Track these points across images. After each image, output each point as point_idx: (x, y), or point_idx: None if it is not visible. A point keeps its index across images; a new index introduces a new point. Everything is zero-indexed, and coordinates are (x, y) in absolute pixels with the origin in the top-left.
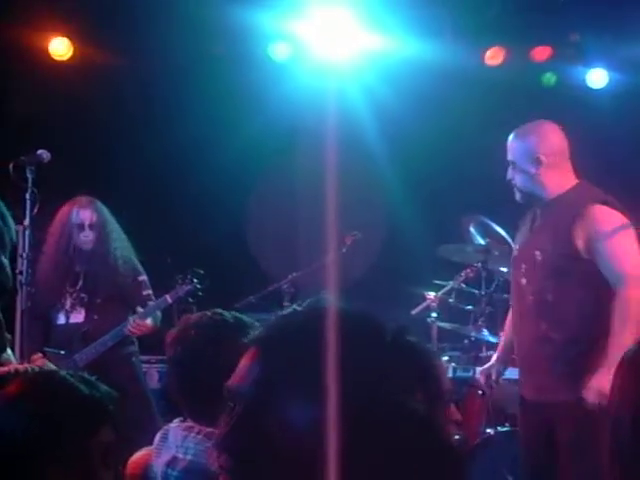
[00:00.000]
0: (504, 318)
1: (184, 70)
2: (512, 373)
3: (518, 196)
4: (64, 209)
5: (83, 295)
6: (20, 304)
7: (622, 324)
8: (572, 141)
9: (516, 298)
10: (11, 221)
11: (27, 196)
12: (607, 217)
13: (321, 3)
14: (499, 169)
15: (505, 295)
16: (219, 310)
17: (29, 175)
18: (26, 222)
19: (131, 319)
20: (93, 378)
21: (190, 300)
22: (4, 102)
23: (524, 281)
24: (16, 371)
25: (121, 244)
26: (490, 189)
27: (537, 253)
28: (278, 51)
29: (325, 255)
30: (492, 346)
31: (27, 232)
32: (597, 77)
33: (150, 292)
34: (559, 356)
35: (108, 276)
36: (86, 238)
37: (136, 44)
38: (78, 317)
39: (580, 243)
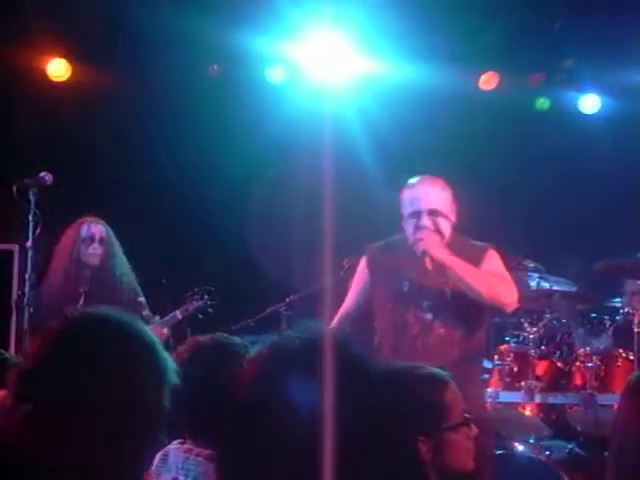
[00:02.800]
0: (496, 343)
1: (181, 92)
2: (506, 397)
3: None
4: (73, 226)
5: None
6: (21, 325)
7: None
8: (564, 165)
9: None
10: None
11: (30, 218)
12: None
13: (317, 27)
14: (491, 194)
15: (497, 319)
16: (226, 334)
17: (32, 197)
18: (29, 244)
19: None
20: None
21: (200, 316)
22: (3, 123)
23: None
24: None
25: (123, 266)
26: (483, 214)
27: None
28: (274, 74)
29: (322, 278)
30: (487, 370)
31: (30, 253)
32: (590, 102)
33: (149, 313)
34: None
35: (111, 296)
36: (95, 251)
37: (134, 65)
38: None
39: None
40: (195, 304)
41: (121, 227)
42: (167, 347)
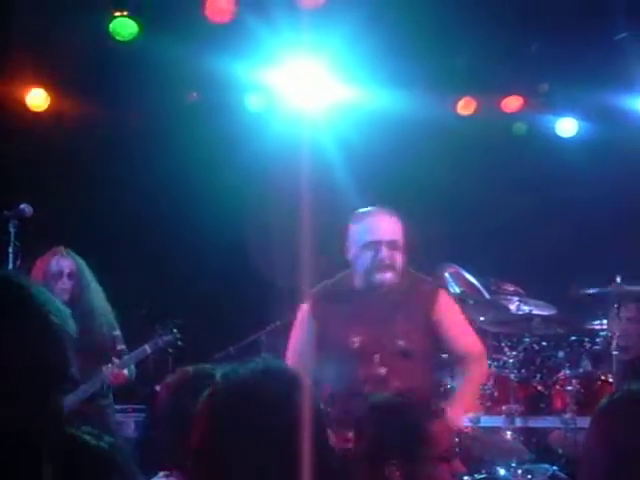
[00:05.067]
0: None
1: (160, 120)
2: (487, 421)
3: (392, 276)
4: (43, 259)
5: None
6: None
7: None
8: (543, 189)
9: None
10: None
11: (10, 249)
12: None
13: (295, 54)
14: (471, 219)
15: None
16: (211, 366)
17: (12, 229)
18: None
19: (110, 367)
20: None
21: (170, 351)
22: None
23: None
24: None
25: (98, 297)
26: (462, 239)
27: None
28: (253, 101)
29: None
30: None
31: None
32: (567, 126)
33: (124, 347)
34: None
35: (85, 328)
36: (63, 286)
37: (112, 94)
38: None
39: None
40: (165, 338)
41: (100, 257)
42: (128, 386)
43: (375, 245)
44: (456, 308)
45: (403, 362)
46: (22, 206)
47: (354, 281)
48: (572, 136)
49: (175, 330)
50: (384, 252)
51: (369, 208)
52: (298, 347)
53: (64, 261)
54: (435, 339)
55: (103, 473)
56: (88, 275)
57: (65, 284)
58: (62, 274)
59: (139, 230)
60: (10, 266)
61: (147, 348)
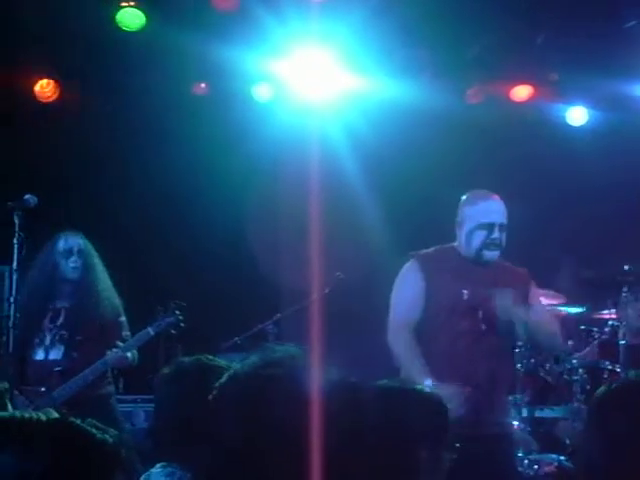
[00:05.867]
0: None
1: (168, 111)
2: None
3: (499, 255)
4: (50, 241)
5: (64, 332)
6: (7, 347)
7: None
8: (553, 177)
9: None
10: None
11: (15, 240)
12: None
13: (304, 45)
14: None
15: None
16: (211, 356)
17: (16, 220)
18: (14, 266)
19: (113, 351)
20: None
21: (172, 332)
22: None
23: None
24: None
25: (105, 281)
26: None
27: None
28: (261, 92)
29: (309, 296)
30: None
31: (14, 276)
32: (577, 115)
33: (129, 334)
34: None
35: (91, 313)
36: (75, 264)
37: (120, 85)
38: (57, 354)
39: None
40: (167, 320)
41: (105, 248)
42: (132, 369)
43: (490, 226)
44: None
45: (499, 323)
46: (27, 197)
47: (460, 253)
48: (582, 125)
49: (177, 311)
50: (496, 233)
51: (481, 191)
52: (407, 300)
53: (73, 239)
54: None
55: (109, 467)
56: (95, 257)
57: (76, 262)
58: (72, 251)
59: (146, 221)
60: (15, 257)
61: (150, 330)
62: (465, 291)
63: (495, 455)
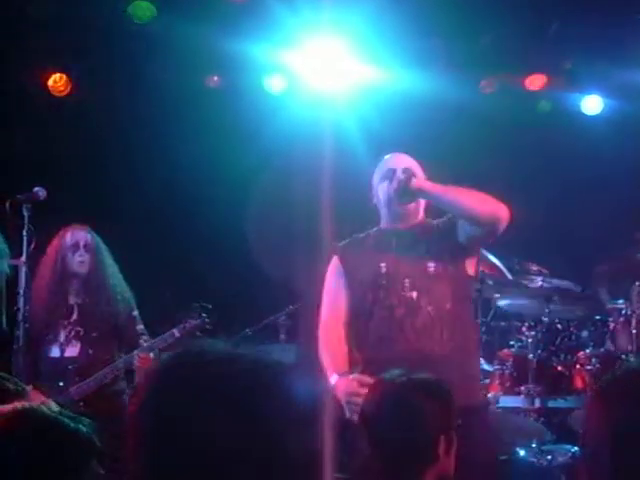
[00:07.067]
0: (500, 346)
1: (180, 103)
2: (506, 402)
3: (414, 206)
4: (57, 236)
5: (79, 328)
6: (17, 341)
7: None
8: (568, 167)
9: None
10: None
11: (24, 233)
12: None
13: (316, 36)
14: (494, 196)
15: (502, 323)
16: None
17: (25, 213)
18: (23, 259)
19: (137, 352)
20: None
21: (198, 334)
22: (2, 138)
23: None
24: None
25: (115, 274)
26: None
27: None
28: (273, 83)
29: (320, 288)
30: (488, 374)
31: (24, 269)
32: (592, 103)
33: (142, 327)
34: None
35: (104, 309)
36: (82, 258)
37: (133, 78)
38: (73, 351)
39: None
40: (193, 322)
41: (118, 240)
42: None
43: (390, 173)
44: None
45: (432, 286)
46: (36, 189)
47: (380, 227)
48: (597, 114)
49: (204, 314)
50: (398, 174)
51: None
52: (331, 292)
53: (79, 233)
54: (463, 257)
55: (82, 456)
56: (104, 250)
57: (83, 256)
58: (78, 246)
59: (157, 214)
60: (24, 250)
61: (175, 332)
62: (383, 264)
63: None
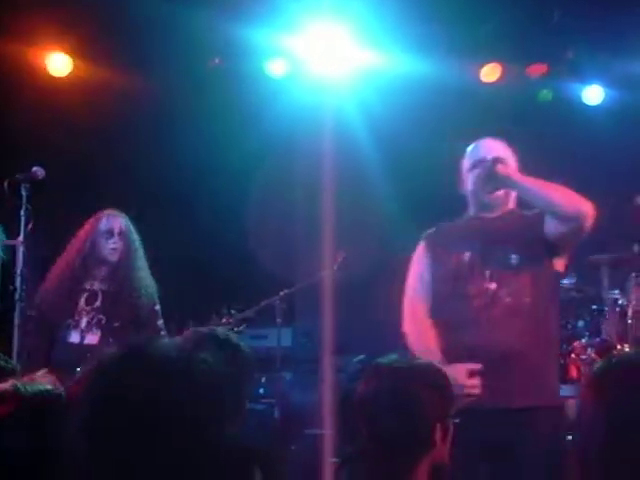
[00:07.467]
0: None
1: (182, 85)
2: None
3: (502, 195)
4: (92, 219)
5: (101, 316)
6: (16, 320)
7: None
8: (568, 157)
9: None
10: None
11: (22, 213)
12: None
13: (318, 20)
14: None
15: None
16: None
17: (24, 192)
18: (20, 239)
19: None
20: None
21: None
22: (1, 118)
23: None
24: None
25: (143, 267)
26: None
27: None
28: (275, 68)
29: (317, 272)
30: None
31: (21, 249)
32: (593, 94)
33: (162, 322)
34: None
35: (128, 299)
36: (115, 245)
37: (134, 60)
38: (93, 338)
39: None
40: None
41: None
42: None
43: (479, 163)
44: None
45: (515, 278)
46: (35, 169)
47: (469, 214)
48: (598, 104)
49: (232, 322)
50: (486, 170)
51: None
52: (416, 281)
53: (115, 220)
54: (550, 253)
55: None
56: (137, 241)
57: (116, 243)
58: (112, 233)
59: (156, 197)
60: (22, 229)
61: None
62: (467, 253)
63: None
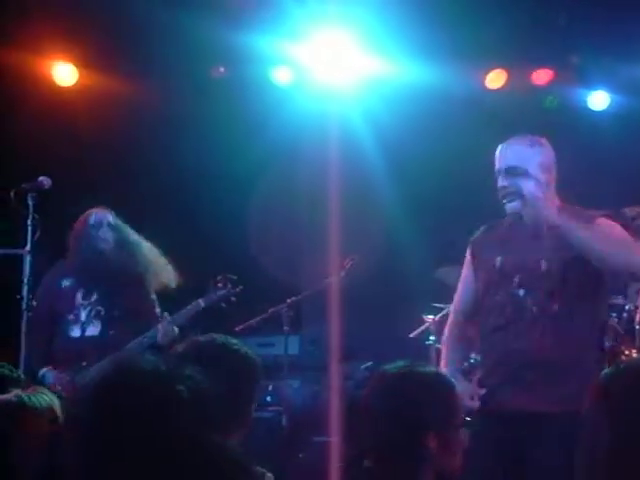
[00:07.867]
0: None
1: (187, 94)
2: None
3: (518, 205)
4: (81, 217)
5: (99, 308)
6: (23, 328)
7: None
8: (574, 163)
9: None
10: None
11: (28, 222)
12: None
13: (323, 28)
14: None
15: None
16: (225, 336)
17: (30, 202)
18: (27, 248)
19: (160, 326)
20: None
21: (223, 305)
22: (7, 128)
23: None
24: None
25: (141, 240)
26: (490, 212)
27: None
28: (280, 75)
29: (324, 279)
30: None
31: (28, 258)
32: (598, 99)
33: (159, 310)
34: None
35: (125, 289)
36: (104, 235)
37: (139, 69)
38: (94, 330)
39: None
40: (219, 293)
41: None
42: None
43: (496, 175)
44: (617, 229)
45: (543, 284)
46: (41, 178)
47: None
48: (604, 109)
49: (229, 285)
50: (501, 181)
51: None
52: (461, 284)
53: (101, 213)
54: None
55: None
56: (129, 233)
57: (106, 233)
58: (102, 224)
59: (162, 204)
60: (29, 239)
61: (201, 302)
62: (498, 258)
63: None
